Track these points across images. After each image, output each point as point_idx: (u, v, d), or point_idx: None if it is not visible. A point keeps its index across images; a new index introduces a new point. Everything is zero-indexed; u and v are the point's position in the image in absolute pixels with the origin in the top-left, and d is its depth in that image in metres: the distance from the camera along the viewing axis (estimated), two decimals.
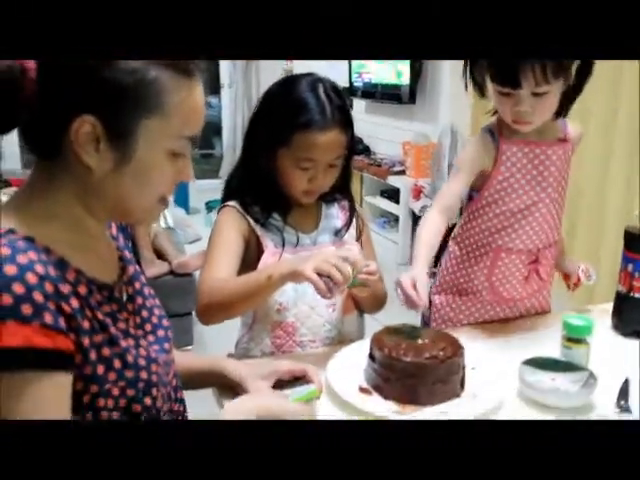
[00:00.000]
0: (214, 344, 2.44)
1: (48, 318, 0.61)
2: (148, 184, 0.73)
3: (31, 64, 0.65)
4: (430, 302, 1.35)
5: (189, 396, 0.91)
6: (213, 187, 5.05)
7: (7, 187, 3.63)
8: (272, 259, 1.16)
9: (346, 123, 1.13)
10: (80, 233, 0.74)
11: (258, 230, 1.17)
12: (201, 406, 0.96)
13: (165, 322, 0.87)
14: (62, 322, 0.63)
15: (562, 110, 1.18)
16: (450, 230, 1.37)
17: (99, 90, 0.66)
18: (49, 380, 0.62)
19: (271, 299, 1.15)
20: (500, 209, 1.21)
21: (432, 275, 1.25)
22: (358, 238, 1.29)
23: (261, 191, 1.19)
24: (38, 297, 0.61)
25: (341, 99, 1.14)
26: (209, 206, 4.60)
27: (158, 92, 0.68)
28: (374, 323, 1.34)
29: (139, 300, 0.83)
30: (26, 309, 0.60)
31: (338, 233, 1.24)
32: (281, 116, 1.12)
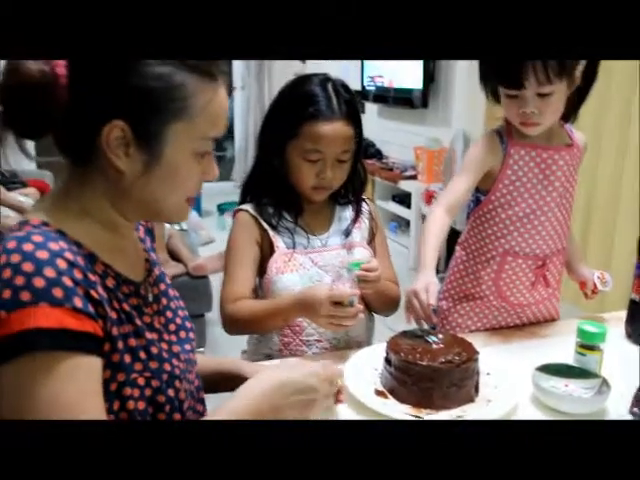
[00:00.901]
0: (227, 346, 2.46)
1: (78, 302, 0.64)
2: (176, 184, 0.75)
3: (62, 71, 0.68)
4: (436, 309, 1.37)
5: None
6: (225, 190, 5.10)
7: (24, 187, 3.69)
8: (282, 259, 1.19)
9: (353, 117, 1.16)
10: (110, 233, 0.77)
11: (270, 231, 1.21)
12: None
13: (188, 324, 0.89)
14: (90, 307, 0.66)
15: (570, 114, 1.20)
16: (457, 236, 1.39)
17: (128, 96, 0.69)
18: (83, 362, 0.64)
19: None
20: (506, 213, 1.23)
21: (439, 281, 1.26)
22: (370, 241, 1.30)
23: (273, 189, 1.22)
24: (68, 282, 0.64)
25: (349, 94, 1.17)
26: (221, 209, 4.64)
27: (184, 96, 0.71)
28: (382, 327, 1.36)
29: (164, 301, 0.86)
30: (57, 292, 0.62)
31: (348, 235, 1.26)
32: (290, 109, 1.17)
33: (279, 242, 1.21)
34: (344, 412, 0.94)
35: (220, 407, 0.75)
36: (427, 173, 3.79)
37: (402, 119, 4.29)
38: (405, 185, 3.90)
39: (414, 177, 3.92)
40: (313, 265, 1.21)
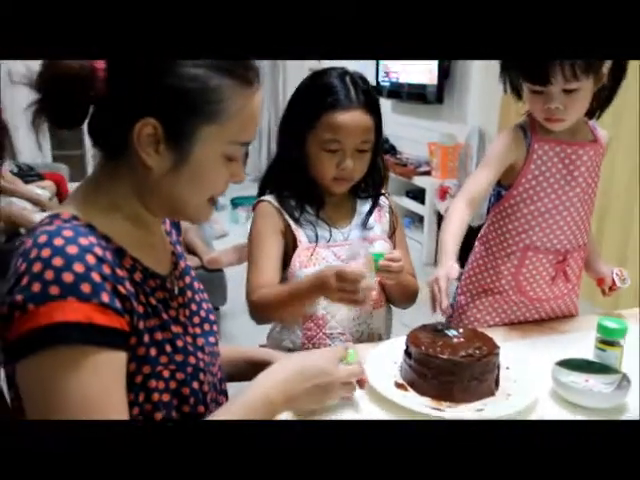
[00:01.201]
0: (242, 339, 2.48)
1: (105, 297, 0.65)
2: (202, 185, 0.76)
3: (101, 64, 0.69)
4: (454, 303, 1.38)
5: None
6: (238, 185, 5.12)
7: (40, 180, 3.73)
8: (305, 254, 1.20)
9: (371, 107, 1.17)
10: (138, 227, 0.78)
11: (292, 225, 1.21)
12: None
13: (212, 317, 0.91)
14: (118, 303, 0.67)
15: (595, 111, 1.20)
16: (476, 231, 1.39)
17: (163, 95, 0.69)
18: (108, 356, 0.65)
19: None
20: (528, 208, 1.23)
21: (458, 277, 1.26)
22: (391, 235, 1.32)
23: (294, 182, 1.23)
24: (96, 277, 0.64)
25: (367, 85, 1.18)
26: (234, 203, 4.66)
27: (219, 100, 0.71)
28: (396, 324, 1.37)
29: (189, 294, 0.87)
30: (85, 287, 0.63)
31: (370, 228, 1.27)
32: (309, 101, 1.18)
33: (301, 236, 1.21)
34: (364, 404, 0.95)
35: (236, 397, 0.77)
36: (441, 169, 3.78)
37: (416, 115, 4.28)
38: (419, 181, 3.89)
39: (428, 173, 3.92)
40: (336, 259, 1.22)
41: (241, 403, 0.76)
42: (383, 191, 1.33)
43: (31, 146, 4.89)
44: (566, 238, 1.25)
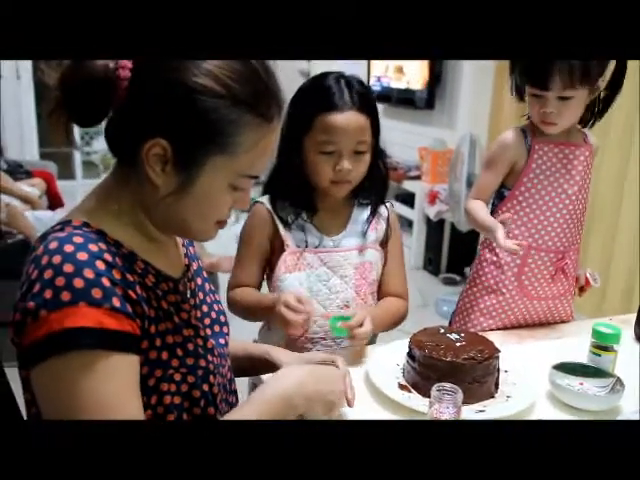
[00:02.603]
0: (234, 337, 2.50)
1: (116, 302, 0.66)
2: (205, 211, 0.76)
3: (126, 74, 0.69)
4: (459, 305, 1.42)
5: None
6: None
7: (29, 177, 3.71)
8: (291, 258, 1.21)
9: (366, 107, 1.16)
10: (147, 233, 0.79)
11: (282, 229, 1.22)
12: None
13: (222, 318, 0.92)
14: (129, 307, 0.68)
15: (588, 119, 1.28)
16: (477, 235, 1.44)
17: (179, 119, 0.69)
18: (121, 360, 0.66)
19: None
20: (530, 207, 1.29)
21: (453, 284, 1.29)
22: (383, 243, 1.30)
23: (291, 187, 1.23)
24: (106, 282, 0.65)
25: (363, 87, 1.19)
26: None
27: (234, 133, 0.70)
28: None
29: (200, 295, 0.88)
30: (96, 293, 0.64)
31: (364, 237, 1.27)
32: (304, 104, 1.19)
33: (289, 240, 1.22)
34: (370, 405, 0.97)
35: (254, 397, 0.79)
36: (431, 174, 3.82)
37: (407, 119, 4.32)
38: (409, 185, 3.94)
39: (418, 177, 3.96)
40: (322, 264, 1.23)
41: (260, 401, 0.78)
42: (386, 200, 1.32)
43: (15, 143, 4.86)
44: (565, 236, 1.31)
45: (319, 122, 1.15)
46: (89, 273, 0.64)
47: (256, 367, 1.04)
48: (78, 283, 0.64)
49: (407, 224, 4.08)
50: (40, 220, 2.73)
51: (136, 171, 0.73)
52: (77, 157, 5.88)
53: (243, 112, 0.70)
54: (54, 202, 3.71)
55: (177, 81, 0.68)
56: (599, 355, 1.09)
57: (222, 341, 0.90)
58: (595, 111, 1.27)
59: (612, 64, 1.21)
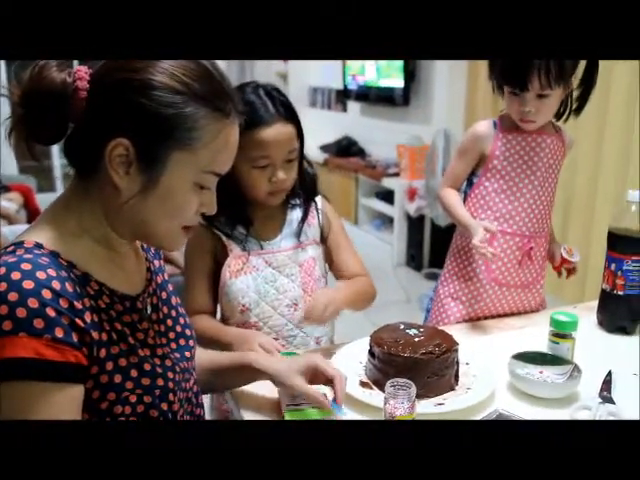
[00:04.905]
0: None
1: (59, 332, 0.65)
2: (169, 211, 0.75)
3: (84, 84, 0.71)
4: (435, 296, 1.44)
5: None
6: None
7: (7, 192, 3.69)
8: (235, 262, 1.22)
9: (290, 116, 1.17)
10: (107, 249, 0.78)
11: (224, 238, 1.22)
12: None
13: (188, 332, 0.90)
14: (74, 337, 0.67)
15: (563, 114, 1.33)
16: (450, 230, 1.47)
17: (137, 117, 0.70)
18: (59, 391, 0.66)
19: (235, 301, 1.21)
20: (496, 191, 1.34)
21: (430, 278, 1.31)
22: (324, 237, 1.32)
23: (226, 204, 1.20)
24: (51, 312, 0.65)
25: (282, 96, 1.19)
26: None
27: (192, 127, 0.72)
28: (364, 321, 1.40)
29: (164, 309, 0.87)
30: (38, 323, 0.64)
31: (299, 237, 1.27)
32: None
33: (233, 246, 1.22)
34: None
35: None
36: (410, 170, 3.85)
37: (384, 117, 4.35)
38: (388, 182, 3.96)
39: (397, 174, 3.99)
40: (267, 266, 1.23)
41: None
42: (319, 194, 1.32)
43: None
44: (530, 221, 1.34)
45: (249, 138, 1.11)
46: (33, 303, 0.64)
47: (238, 377, 1.01)
48: (21, 313, 0.63)
49: (388, 221, 4.11)
50: (16, 234, 2.72)
51: (97, 179, 0.74)
52: (57, 170, 5.85)
53: (200, 106, 0.72)
54: (33, 215, 3.69)
55: (134, 79, 0.70)
56: (557, 343, 1.11)
57: (188, 354, 0.88)
58: (568, 105, 1.31)
59: (583, 62, 1.25)
